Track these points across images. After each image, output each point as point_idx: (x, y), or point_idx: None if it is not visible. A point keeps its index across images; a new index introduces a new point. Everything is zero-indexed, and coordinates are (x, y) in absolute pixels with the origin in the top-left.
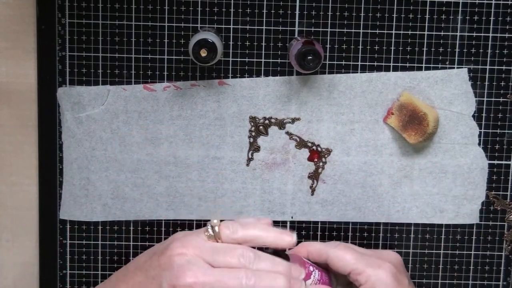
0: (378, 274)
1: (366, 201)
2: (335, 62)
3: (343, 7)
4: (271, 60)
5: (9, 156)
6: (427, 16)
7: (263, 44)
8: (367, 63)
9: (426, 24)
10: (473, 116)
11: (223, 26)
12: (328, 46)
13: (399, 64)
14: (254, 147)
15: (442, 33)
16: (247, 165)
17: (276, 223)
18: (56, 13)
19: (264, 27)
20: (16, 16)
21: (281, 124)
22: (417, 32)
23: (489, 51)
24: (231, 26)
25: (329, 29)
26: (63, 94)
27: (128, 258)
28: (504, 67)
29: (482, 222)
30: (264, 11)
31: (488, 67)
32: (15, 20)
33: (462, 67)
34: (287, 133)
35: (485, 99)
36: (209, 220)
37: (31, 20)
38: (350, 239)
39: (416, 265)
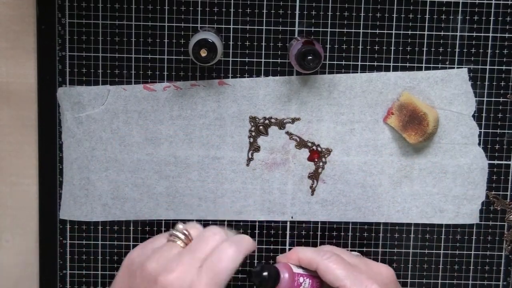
0: None
1: (366, 201)
2: (335, 62)
3: (343, 7)
4: (271, 60)
5: (9, 156)
6: (427, 16)
7: (263, 44)
8: (367, 63)
9: (426, 24)
10: (473, 116)
11: (223, 26)
12: (328, 46)
13: (399, 64)
14: (254, 147)
15: (442, 33)
16: (247, 165)
17: (276, 223)
18: (56, 13)
19: (264, 27)
20: (16, 16)
21: (281, 124)
22: (417, 32)
23: (489, 51)
24: (231, 26)
25: (329, 29)
26: (63, 94)
27: None
28: (504, 67)
29: (482, 222)
30: (264, 11)
31: (488, 67)
32: (15, 20)
33: (462, 67)
34: (287, 133)
35: (485, 99)
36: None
37: (31, 20)
38: (350, 239)
39: (416, 265)
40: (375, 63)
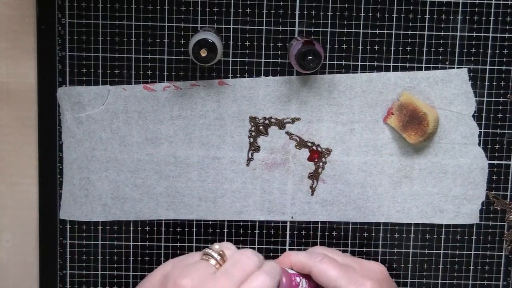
0: None
1: (366, 201)
2: (335, 62)
3: (343, 7)
4: (271, 60)
5: (9, 156)
6: (427, 16)
7: (263, 44)
8: (367, 63)
9: (426, 24)
10: (473, 116)
11: (223, 26)
12: (328, 46)
13: (399, 64)
14: (254, 147)
15: (442, 33)
16: (247, 165)
17: (276, 223)
18: (56, 13)
19: (264, 27)
20: (16, 16)
21: (281, 124)
22: (417, 32)
23: (489, 51)
24: (231, 26)
25: (329, 29)
26: (63, 94)
27: (128, 258)
28: (504, 67)
29: (482, 222)
30: (264, 11)
31: (488, 67)
32: (15, 20)
33: (462, 67)
34: (287, 133)
35: (485, 99)
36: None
37: (31, 20)
38: (350, 239)
39: (416, 265)
40: (375, 63)
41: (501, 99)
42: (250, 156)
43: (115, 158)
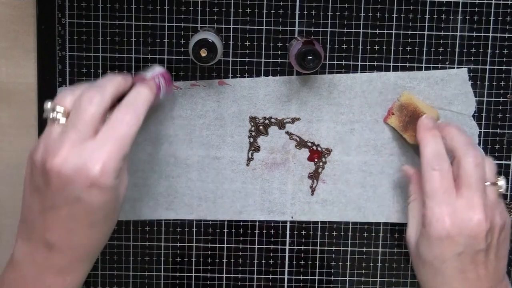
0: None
1: (366, 201)
2: (335, 62)
3: (343, 7)
4: (271, 60)
5: (9, 156)
6: (427, 16)
7: (263, 44)
8: (367, 63)
9: (426, 24)
10: (473, 116)
11: (223, 26)
12: (328, 46)
13: (399, 64)
14: (254, 147)
15: (442, 33)
16: (247, 165)
17: (276, 223)
18: (56, 13)
19: (264, 27)
20: (16, 16)
21: (281, 124)
22: (417, 32)
23: (489, 51)
24: (231, 26)
25: (329, 29)
26: None
27: (128, 258)
28: (504, 67)
29: None
30: (264, 11)
31: (488, 67)
32: (15, 20)
33: (462, 67)
34: (287, 133)
35: (485, 99)
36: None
37: (31, 20)
38: (350, 239)
39: None
40: (375, 63)
41: (501, 99)
42: (250, 156)
43: None
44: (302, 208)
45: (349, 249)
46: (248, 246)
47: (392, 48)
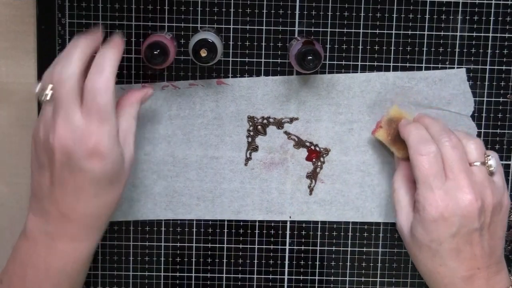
0: None
1: (364, 201)
2: (335, 62)
3: (343, 7)
4: (271, 60)
5: (9, 156)
6: (427, 16)
7: (263, 44)
8: (367, 63)
9: (426, 24)
10: (473, 116)
11: (223, 26)
12: (328, 46)
13: (399, 64)
14: (252, 147)
15: (442, 33)
16: (245, 164)
17: (276, 223)
18: (56, 13)
19: (264, 27)
20: (16, 16)
21: (279, 124)
22: (417, 32)
23: (489, 51)
24: (231, 26)
25: (329, 29)
26: None
27: (128, 258)
28: (504, 67)
29: None
30: (264, 11)
31: (488, 67)
32: (15, 20)
33: (462, 67)
34: (285, 132)
35: (485, 99)
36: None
37: (31, 20)
38: (350, 239)
39: None
40: (375, 63)
41: (501, 99)
42: (248, 156)
43: None
44: (301, 208)
45: (349, 249)
46: (248, 246)
47: (392, 48)
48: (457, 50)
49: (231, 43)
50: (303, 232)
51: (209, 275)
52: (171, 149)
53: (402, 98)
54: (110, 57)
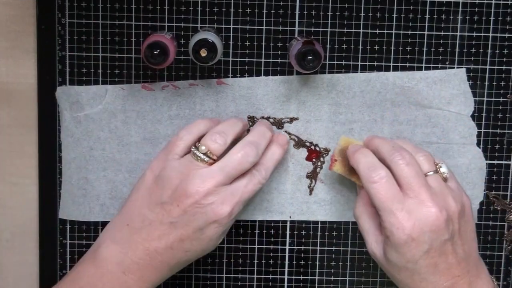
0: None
1: None
2: (335, 62)
3: (343, 7)
4: (271, 60)
5: (9, 156)
6: (427, 16)
7: (263, 44)
8: (367, 63)
9: (426, 24)
10: (473, 116)
11: (223, 26)
12: (328, 46)
13: (399, 64)
14: None
15: (442, 33)
16: None
17: (276, 223)
18: (56, 13)
19: (264, 27)
20: (16, 16)
21: (279, 124)
22: (417, 32)
23: (489, 51)
24: (231, 26)
25: (329, 29)
26: (61, 94)
27: None
28: (504, 67)
29: (482, 222)
30: (264, 11)
31: (488, 67)
32: (15, 20)
33: (462, 67)
34: (285, 132)
35: (485, 99)
36: None
37: (31, 20)
38: (350, 239)
39: None
40: (375, 63)
41: (501, 99)
42: None
43: (113, 157)
44: (301, 208)
45: (349, 249)
46: (248, 246)
47: (392, 48)
48: (457, 50)
49: (231, 43)
50: (303, 232)
51: (209, 275)
52: None
53: (402, 98)
54: (278, 157)
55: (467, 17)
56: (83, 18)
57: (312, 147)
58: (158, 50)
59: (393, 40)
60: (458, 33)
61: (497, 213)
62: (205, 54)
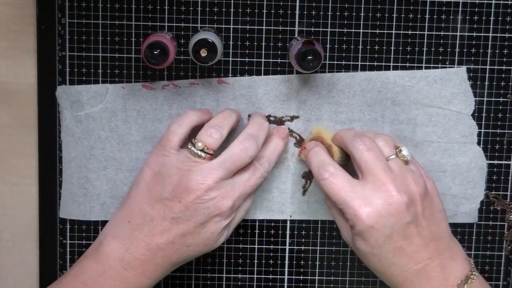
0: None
1: None
2: (335, 62)
3: (343, 7)
4: (271, 60)
5: (9, 156)
6: (427, 16)
7: (263, 44)
8: (367, 63)
9: (426, 24)
10: (473, 116)
11: (223, 26)
12: (328, 46)
13: (399, 64)
14: None
15: (442, 33)
16: None
17: (276, 222)
18: (56, 13)
19: (264, 27)
20: (16, 16)
21: (280, 122)
22: (417, 32)
23: (489, 51)
24: (231, 26)
25: (329, 29)
26: (62, 93)
27: None
28: (504, 67)
29: (482, 222)
30: (264, 11)
31: (488, 67)
32: (15, 20)
33: (462, 67)
34: (288, 129)
35: (485, 98)
36: None
37: (31, 20)
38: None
39: None
40: (375, 63)
41: (501, 99)
42: None
43: (113, 156)
44: (301, 207)
45: (349, 249)
46: (248, 246)
47: (392, 48)
48: (457, 50)
49: (231, 43)
50: (303, 232)
51: (209, 275)
52: None
53: (403, 97)
54: (280, 150)
55: (467, 17)
56: (83, 18)
57: None
58: (158, 50)
59: (393, 40)
60: (458, 33)
61: (497, 213)
62: (205, 54)
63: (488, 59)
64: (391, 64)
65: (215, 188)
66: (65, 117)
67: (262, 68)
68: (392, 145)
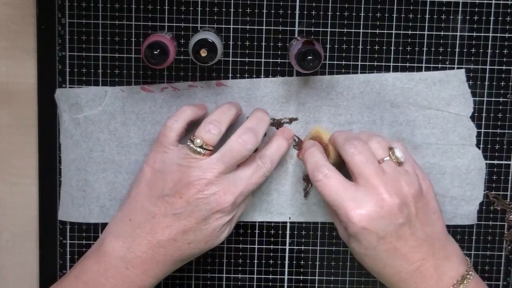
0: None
1: None
2: (335, 62)
3: (343, 7)
4: (271, 60)
5: (9, 156)
6: (427, 16)
7: (263, 44)
8: (367, 63)
9: (426, 24)
10: (473, 116)
11: (223, 26)
12: (328, 46)
13: (399, 64)
14: None
15: (442, 33)
16: None
17: (276, 224)
18: (56, 13)
19: (264, 27)
20: (16, 16)
21: (278, 125)
22: (417, 32)
23: (489, 51)
24: (231, 26)
25: (329, 29)
26: (60, 95)
27: None
28: (504, 67)
29: (482, 222)
30: (264, 11)
31: (488, 67)
32: (15, 20)
33: (461, 67)
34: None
35: (484, 99)
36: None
37: (31, 20)
38: None
39: None
40: (375, 63)
41: (501, 99)
42: None
43: (112, 159)
44: (300, 209)
45: (348, 249)
46: (248, 246)
47: (392, 48)
48: (457, 50)
49: (231, 43)
50: (303, 232)
51: (209, 275)
52: None
53: (402, 99)
54: (284, 150)
55: (467, 17)
56: (83, 18)
57: None
58: (158, 50)
59: (393, 40)
60: (458, 33)
61: (497, 213)
62: (205, 54)
63: (488, 59)
64: (391, 64)
65: (215, 182)
66: (64, 119)
67: (262, 68)
68: (385, 147)
